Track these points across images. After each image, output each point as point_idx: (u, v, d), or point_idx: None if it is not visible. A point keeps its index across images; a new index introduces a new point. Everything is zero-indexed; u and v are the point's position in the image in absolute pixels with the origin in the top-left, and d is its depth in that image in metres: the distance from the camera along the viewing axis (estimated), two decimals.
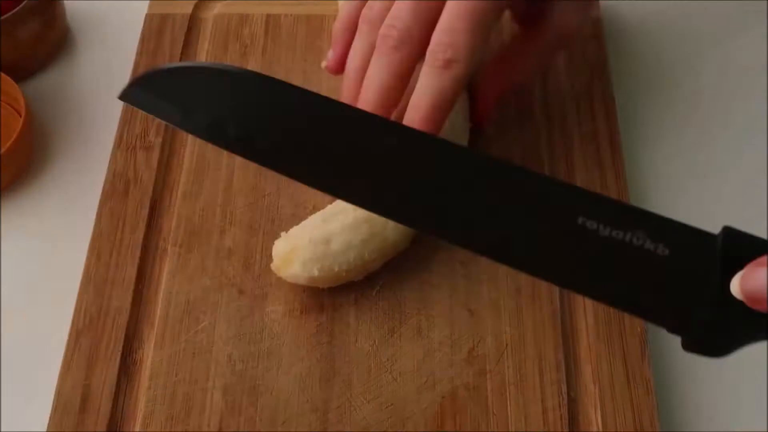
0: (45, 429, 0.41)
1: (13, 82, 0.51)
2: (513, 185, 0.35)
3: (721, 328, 0.33)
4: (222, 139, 0.37)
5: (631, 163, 0.52)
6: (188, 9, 0.57)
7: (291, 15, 0.57)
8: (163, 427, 0.41)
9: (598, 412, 0.42)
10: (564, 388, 0.43)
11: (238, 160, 0.50)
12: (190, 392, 0.42)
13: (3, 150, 0.48)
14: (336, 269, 0.43)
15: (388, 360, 0.43)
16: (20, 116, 0.51)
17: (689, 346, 0.34)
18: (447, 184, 0.35)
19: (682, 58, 0.57)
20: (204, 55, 0.55)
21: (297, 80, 0.54)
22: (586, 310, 0.45)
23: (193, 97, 0.37)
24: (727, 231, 0.33)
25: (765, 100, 0.54)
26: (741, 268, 0.32)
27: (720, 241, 0.33)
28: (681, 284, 0.34)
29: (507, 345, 0.44)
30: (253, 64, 0.54)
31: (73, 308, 0.45)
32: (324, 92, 0.52)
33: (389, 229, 0.44)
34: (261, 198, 0.49)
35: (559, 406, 0.42)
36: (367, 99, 0.43)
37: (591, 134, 0.51)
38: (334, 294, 0.45)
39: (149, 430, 0.41)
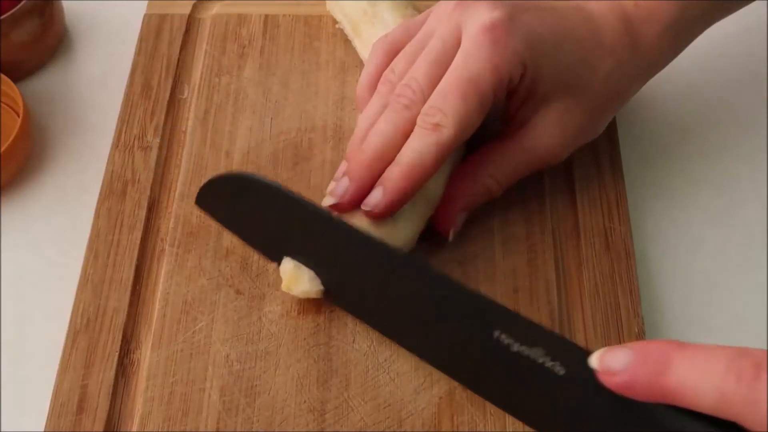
0: (43, 429, 0.41)
1: (11, 83, 0.51)
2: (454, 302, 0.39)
3: None
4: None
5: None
6: (186, 9, 0.57)
7: (289, 15, 0.57)
8: (160, 428, 0.41)
9: None
10: None
11: (236, 161, 0.50)
12: (188, 393, 0.42)
13: (1, 150, 0.48)
14: None
15: (385, 360, 0.43)
16: (18, 116, 0.51)
17: None
18: (399, 292, 0.41)
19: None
20: (202, 55, 0.55)
21: (295, 80, 0.54)
22: (584, 311, 0.45)
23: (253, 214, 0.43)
24: None
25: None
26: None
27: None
28: (565, 404, 0.36)
29: None
30: (252, 65, 0.54)
31: (71, 308, 0.45)
32: (322, 94, 0.53)
33: (397, 232, 0.44)
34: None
35: None
36: (368, 148, 0.43)
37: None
38: None
39: (147, 430, 0.41)
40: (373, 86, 0.46)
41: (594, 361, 0.34)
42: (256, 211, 0.43)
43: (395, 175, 0.42)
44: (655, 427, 0.34)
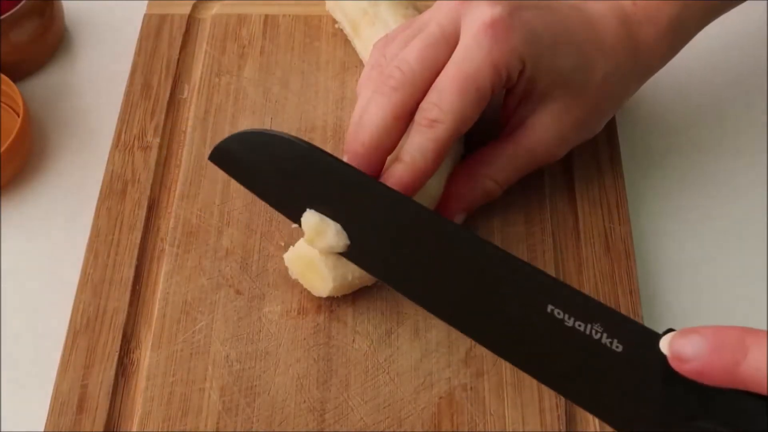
0: (43, 429, 0.41)
1: (11, 83, 0.51)
2: (494, 268, 0.38)
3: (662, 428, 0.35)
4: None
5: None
6: (186, 9, 0.57)
7: (289, 15, 0.57)
8: (160, 428, 0.41)
9: None
10: None
11: None
12: (188, 392, 0.42)
13: (1, 150, 0.48)
14: (350, 278, 0.43)
15: (385, 360, 0.43)
16: (18, 116, 0.51)
17: None
18: (439, 260, 0.39)
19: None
20: (202, 55, 0.55)
21: (295, 80, 0.54)
22: None
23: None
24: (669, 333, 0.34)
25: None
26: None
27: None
28: (628, 382, 0.35)
29: None
30: (252, 65, 0.54)
31: (71, 308, 0.45)
32: (322, 94, 0.53)
33: None
34: (258, 199, 0.48)
35: (557, 407, 0.42)
36: (362, 139, 0.43)
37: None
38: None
39: (146, 430, 0.41)
40: None
41: (664, 346, 0.33)
42: (275, 166, 0.42)
43: (397, 172, 0.42)
44: (721, 407, 0.33)
